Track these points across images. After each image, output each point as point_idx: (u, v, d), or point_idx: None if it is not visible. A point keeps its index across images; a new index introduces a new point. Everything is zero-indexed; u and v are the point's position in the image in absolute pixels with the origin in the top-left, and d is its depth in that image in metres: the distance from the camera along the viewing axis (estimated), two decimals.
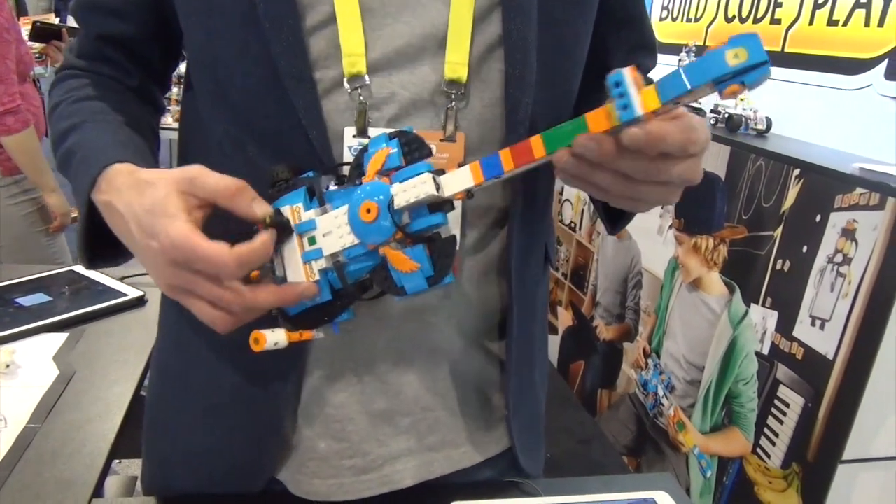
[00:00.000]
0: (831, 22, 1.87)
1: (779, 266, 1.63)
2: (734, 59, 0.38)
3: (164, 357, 0.71)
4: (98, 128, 0.59)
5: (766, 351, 1.65)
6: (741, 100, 1.98)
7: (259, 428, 0.64)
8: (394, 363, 0.62)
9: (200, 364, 0.65)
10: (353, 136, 0.55)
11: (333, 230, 0.51)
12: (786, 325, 1.59)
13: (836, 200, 1.47)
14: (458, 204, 0.55)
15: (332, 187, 0.53)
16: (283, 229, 0.51)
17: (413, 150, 0.50)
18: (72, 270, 1.32)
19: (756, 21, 2.15)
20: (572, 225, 2.78)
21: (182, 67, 0.68)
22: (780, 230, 1.63)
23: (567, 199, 2.84)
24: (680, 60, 2.26)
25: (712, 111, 2.09)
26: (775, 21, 2.07)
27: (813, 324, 1.52)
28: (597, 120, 0.43)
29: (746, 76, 0.38)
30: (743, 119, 1.95)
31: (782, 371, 1.60)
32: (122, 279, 1.26)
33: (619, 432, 2.36)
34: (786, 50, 2.02)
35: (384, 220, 0.48)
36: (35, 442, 0.80)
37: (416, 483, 0.66)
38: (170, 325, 0.69)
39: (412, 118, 0.55)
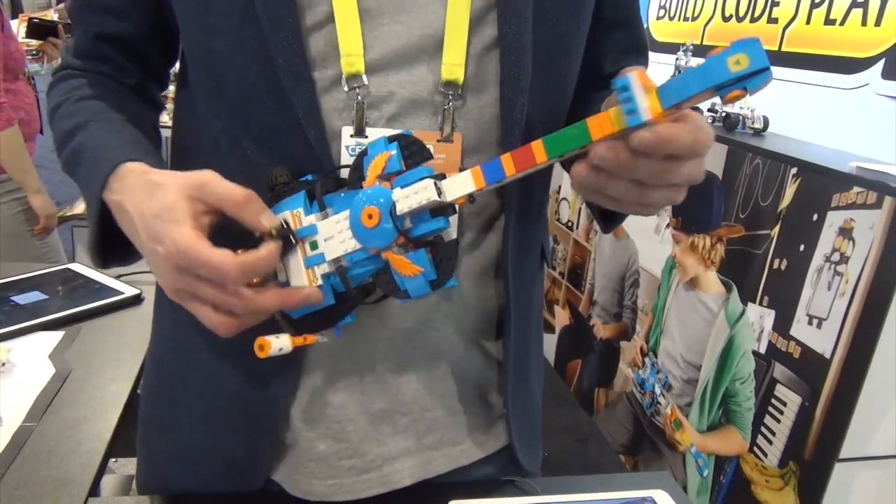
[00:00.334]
0: (828, 21, 1.87)
1: (776, 265, 1.63)
2: (736, 65, 0.38)
3: (159, 356, 0.71)
4: (104, 127, 0.59)
5: (763, 350, 1.66)
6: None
7: (256, 428, 0.64)
8: (393, 363, 0.62)
9: (197, 364, 0.65)
10: (351, 136, 0.55)
11: (335, 235, 0.51)
12: (783, 324, 1.60)
13: (833, 199, 1.47)
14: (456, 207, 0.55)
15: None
16: (288, 241, 0.51)
17: (413, 154, 0.50)
18: (67, 268, 1.32)
19: (753, 20, 2.15)
20: (569, 224, 2.78)
21: (177, 65, 0.68)
22: (777, 229, 1.63)
23: (564, 198, 2.84)
24: (677, 59, 2.26)
25: (709, 110, 2.09)
26: (772, 20, 2.07)
27: (810, 323, 1.52)
28: (599, 125, 0.43)
29: (748, 82, 0.38)
30: (740, 118, 1.95)
31: (779, 370, 1.60)
32: (118, 277, 1.26)
33: (616, 431, 2.36)
34: (783, 49, 2.03)
35: (386, 225, 0.48)
36: (31, 441, 0.79)
37: (415, 482, 0.66)
38: (166, 325, 0.69)
39: (410, 118, 0.55)
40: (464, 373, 0.66)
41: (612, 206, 0.51)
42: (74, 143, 0.58)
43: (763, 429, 1.65)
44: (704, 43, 2.39)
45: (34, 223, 1.98)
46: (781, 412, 1.59)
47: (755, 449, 1.68)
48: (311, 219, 0.52)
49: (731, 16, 2.26)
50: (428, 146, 0.52)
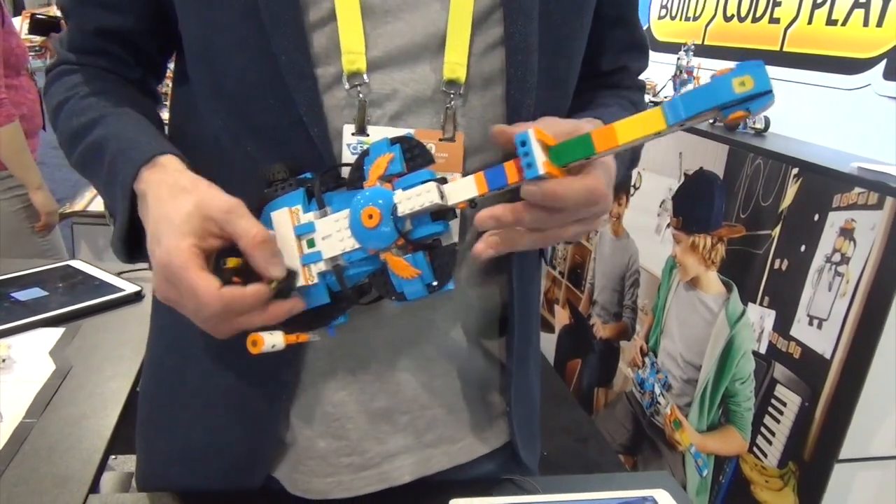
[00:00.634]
0: (830, 21, 1.87)
1: (777, 265, 1.63)
2: (741, 86, 0.39)
3: (157, 353, 0.71)
4: (123, 120, 0.58)
5: (763, 350, 1.66)
6: None
7: (255, 426, 0.64)
8: (392, 361, 0.62)
9: (196, 362, 0.65)
10: (353, 135, 0.54)
11: (333, 234, 0.51)
12: (783, 325, 1.59)
13: (834, 200, 1.47)
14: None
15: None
16: (287, 292, 0.51)
17: (415, 157, 0.50)
18: (68, 265, 1.31)
19: (755, 20, 2.15)
20: None
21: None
22: (778, 229, 1.63)
23: None
24: (678, 59, 2.25)
25: None
26: (774, 20, 2.07)
27: (810, 323, 1.52)
28: (604, 137, 0.45)
29: (751, 104, 0.39)
30: None
31: (779, 370, 1.60)
32: (119, 274, 1.26)
33: (616, 431, 2.36)
34: (784, 49, 2.03)
35: (386, 226, 0.48)
36: (31, 437, 0.79)
37: (414, 479, 0.66)
38: (164, 323, 0.69)
39: (412, 117, 0.55)
40: (464, 371, 0.66)
41: (521, 248, 0.53)
42: (92, 137, 0.58)
43: (763, 429, 1.65)
44: (706, 43, 2.38)
45: (35, 220, 1.97)
46: (781, 412, 1.59)
47: (755, 449, 1.68)
48: (309, 216, 0.52)
49: (732, 16, 2.26)
50: (430, 145, 0.51)
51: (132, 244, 0.57)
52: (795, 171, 1.59)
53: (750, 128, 1.95)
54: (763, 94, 0.39)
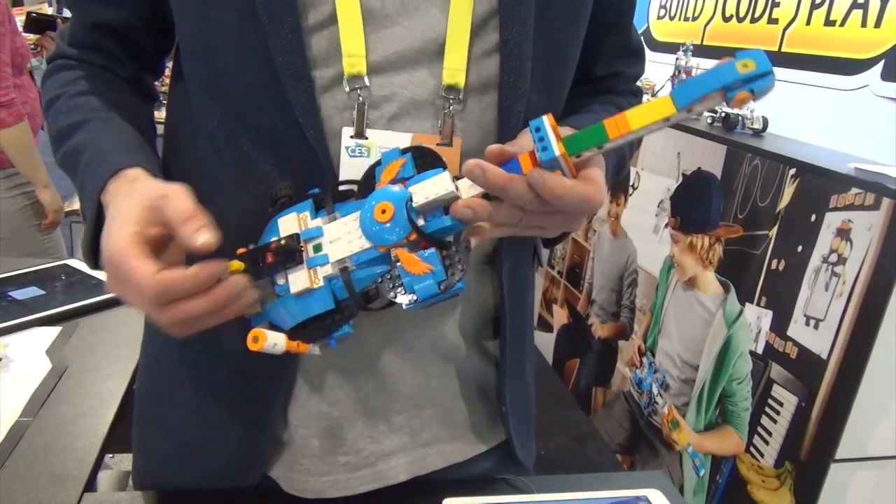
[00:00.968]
0: (828, 22, 1.87)
1: (774, 265, 1.63)
2: (743, 67, 0.42)
3: (153, 352, 0.71)
4: (103, 127, 0.58)
5: (760, 350, 1.66)
6: None
7: (251, 425, 0.64)
8: (389, 361, 0.62)
9: (192, 361, 0.65)
10: (351, 137, 0.55)
11: (342, 236, 0.50)
12: (780, 325, 1.60)
13: (831, 200, 1.47)
14: None
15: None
16: (291, 255, 0.50)
17: (427, 165, 0.50)
18: (65, 264, 1.32)
19: (753, 20, 2.15)
20: None
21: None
22: (775, 230, 1.63)
23: None
24: (677, 59, 2.25)
25: (709, 110, 2.09)
26: (772, 21, 2.07)
27: (807, 323, 1.52)
28: (616, 125, 0.46)
29: (754, 84, 0.42)
30: (739, 118, 1.96)
31: (776, 370, 1.60)
32: None
33: (614, 430, 2.37)
34: (783, 50, 2.03)
35: (400, 218, 0.48)
36: (27, 436, 0.79)
37: (410, 478, 0.66)
38: None
39: (410, 121, 0.55)
40: (460, 370, 0.66)
41: (507, 233, 0.53)
42: (73, 141, 0.58)
43: (760, 429, 1.65)
44: (704, 43, 2.39)
45: (40, 217, 1.99)
46: (778, 412, 1.59)
47: (752, 449, 1.68)
48: (317, 222, 0.51)
49: (731, 16, 2.26)
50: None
51: (98, 252, 0.57)
52: (793, 171, 1.59)
53: (748, 128, 1.95)
54: (765, 76, 0.42)
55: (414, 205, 0.48)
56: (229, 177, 0.58)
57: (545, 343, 2.91)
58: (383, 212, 0.48)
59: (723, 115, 2.00)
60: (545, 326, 2.94)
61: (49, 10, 2.45)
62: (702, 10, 2.41)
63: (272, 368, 0.61)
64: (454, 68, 0.54)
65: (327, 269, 0.50)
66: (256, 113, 0.55)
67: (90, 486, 0.74)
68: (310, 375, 0.62)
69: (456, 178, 0.50)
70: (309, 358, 0.61)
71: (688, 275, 1.95)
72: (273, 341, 0.49)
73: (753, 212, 1.71)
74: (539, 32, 0.56)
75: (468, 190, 0.49)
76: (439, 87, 0.55)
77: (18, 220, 1.94)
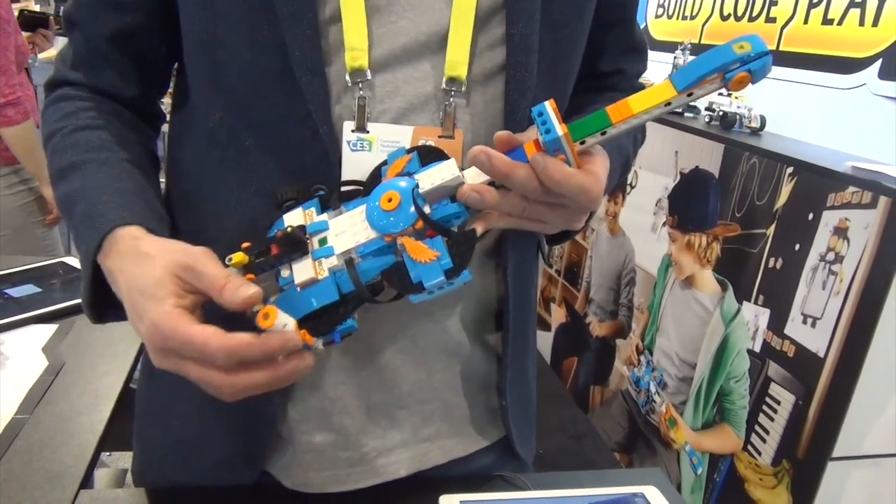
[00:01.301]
0: (826, 21, 1.87)
1: (771, 264, 1.63)
2: (740, 49, 0.44)
3: None
4: (100, 172, 0.56)
5: (757, 348, 1.66)
6: (736, 97, 1.98)
7: (251, 420, 0.64)
8: (391, 356, 0.62)
9: None
10: (353, 131, 0.55)
11: (348, 229, 0.50)
12: (777, 323, 1.60)
13: (828, 199, 1.48)
14: None
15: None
16: (297, 243, 0.50)
17: (432, 162, 0.51)
18: (62, 262, 1.31)
19: (751, 19, 2.16)
20: None
21: None
22: (772, 228, 1.63)
23: None
24: (675, 58, 2.26)
25: (707, 109, 2.09)
26: (770, 20, 2.07)
27: (804, 322, 1.52)
28: (619, 110, 0.47)
29: (752, 64, 0.43)
30: (737, 117, 1.96)
31: (774, 369, 1.60)
32: None
33: (612, 429, 2.37)
34: (781, 48, 2.03)
35: (406, 205, 0.48)
36: (23, 433, 0.79)
37: (410, 473, 0.66)
38: None
39: (412, 114, 0.56)
40: (463, 365, 0.66)
41: (512, 225, 0.53)
42: (70, 187, 0.56)
43: (757, 427, 1.66)
44: (702, 42, 2.39)
45: (44, 213, 2.00)
46: (775, 411, 1.59)
47: (749, 447, 1.68)
48: (323, 216, 0.51)
49: (729, 15, 2.27)
50: (429, 142, 0.52)
51: (99, 307, 0.56)
52: (790, 170, 1.59)
53: (745, 127, 1.95)
54: (762, 56, 0.43)
55: (420, 191, 0.48)
56: (231, 173, 0.58)
57: (543, 342, 2.91)
58: (389, 200, 0.48)
59: (721, 113, 2.00)
60: (543, 325, 2.94)
61: (36, 8, 2.44)
62: (700, 8, 2.41)
63: None
64: (456, 61, 0.54)
65: (332, 262, 0.50)
66: (262, 108, 0.55)
67: (86, 483, 0.73)
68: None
69: (460, 168, 0.50)
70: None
71: (685, 273, 1.95)
72: (283, 321, 0.48)
73: (751, 210, 1.71)
74: (544, 27, 0.56)
75: (474, 178, 0.49)
76: (441, 81, 0.55)
77: (20, 217, 1.95)
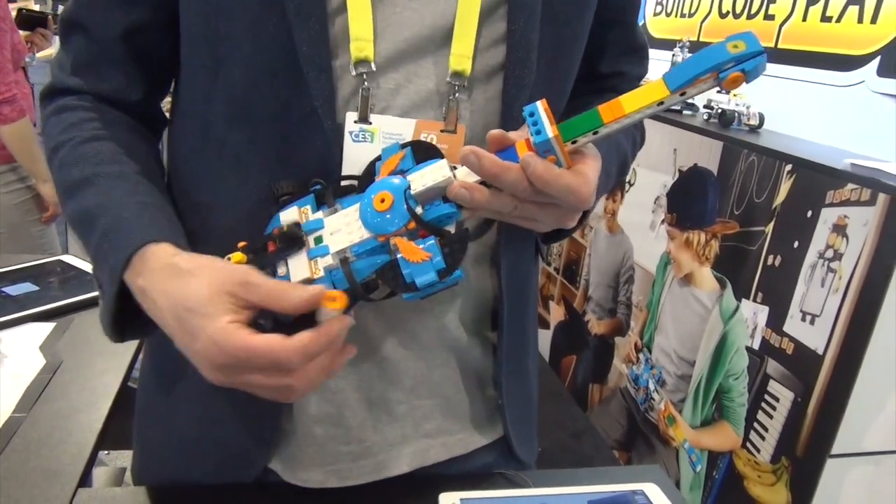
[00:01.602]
0: (825, 18, 1.87)
1: (770, 261, 1.63)
2: (734, 48, 0.43)
3: (155, 344, 0.70)
4: (118, 187, 0.55)
5: (756, 346, 1.66)
6: (734, 95, 1.98)
7: (254, 417, 0.64)
8: (391, 350, 0.62)
9: None
10: (355, 122, 0.54)
11: (342, 228, 0.50)
12: (776, 321, 1.60)
13: (827, 196, 1.48)
14: None
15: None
16: (293, 241, 0.50)
17: (426, 158, 0.51)
18: (60, 260, 1.31)
19: (750, 17, 2.15)
20: None
21: None
22: (771, 225, 1.63)
23: None
24: (674, 56, 2.25)
25: (705, 106, 2.09)
26: (769, 17, 2.07)
27: (803, 319, 1.52)
28: (611, 109, 0.46)
29: (746, 64, 0.43)
30: (736, 114, 1.96)
31: (772, 366, 1.61)
32: None
33: (611, 426, 2.37)
34: (779, 46, 2.03)
35: (399, 206, 0.48)
36: (21, 431, 0.79)
37: (412, 469, 0.66)
38: None
39: (415, 107, 0.56)
40: (462, 362, 0.66)
41: (503, 218, 0.52)
42: (85, 201, 0.55)
43: (756, 424, 1.66)
44: (701, 40, 2.39)
45: (41, 211, 2.01)
46: (774, 408, 1.59)
47: (748, 444, 1.68)
48: (318, 214, 0.52)
49: (727, 12, 2.26)
50: (431, 136, 0.52)
51: (122, 324, 0.55)
52: (789, 167, 1.59)
53: (744, 124, 1.95)
54: (756, 55, 0.43)
55: (412, 192, 0.48)
56: (230, 168, 0.58)
57: (542, 340, 2.91)
58: (382, 201, 0.48)
59: (719, 111, 2.00)
60: (542, 323, 2.95)
61: (36, 7, 2.43)
62: (698, 6, 2.41)
63: None
64: (461, 54, 0.54)
65: (328, 260, 0.50)
66: (264, 102, 0.55)
67: (84, 481, 0.73)
68: None
69: (454, 167, 0.50)
70: None
71: (684, 271, 1.95)
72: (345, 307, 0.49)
73: (750, 208, 1.71)
74: (545, 24, 0.56)
75: (466, 178, 0.49)
76: (445, 75, 0.55)
77: (16, 215, 1.95)
